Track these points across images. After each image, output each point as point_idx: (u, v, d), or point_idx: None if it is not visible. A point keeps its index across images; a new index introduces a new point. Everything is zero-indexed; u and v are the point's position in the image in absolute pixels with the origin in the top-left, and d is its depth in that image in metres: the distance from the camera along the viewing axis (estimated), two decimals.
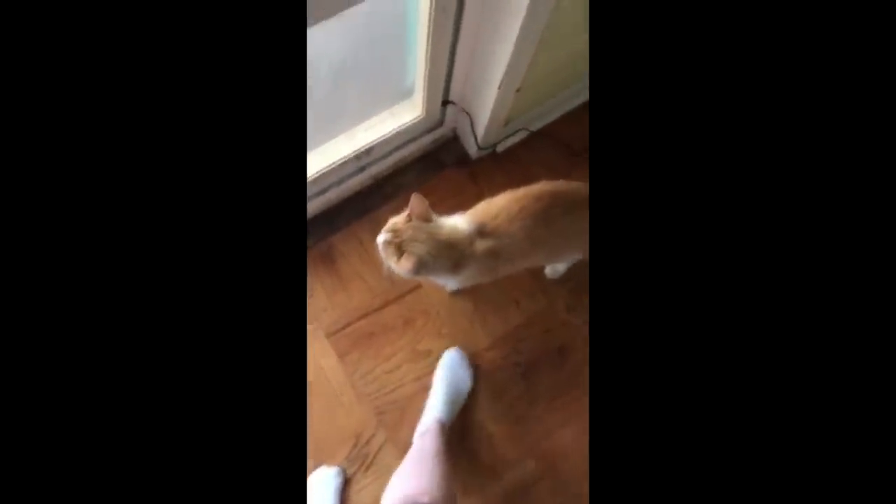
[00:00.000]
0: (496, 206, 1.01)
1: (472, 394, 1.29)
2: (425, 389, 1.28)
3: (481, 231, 0.98)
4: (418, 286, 1.35)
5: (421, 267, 0.90)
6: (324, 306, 1.34)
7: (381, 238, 0.94)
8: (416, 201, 0.93)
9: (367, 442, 1.26)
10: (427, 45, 1.00)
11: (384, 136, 1.27)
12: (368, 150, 1.29)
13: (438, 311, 1.35)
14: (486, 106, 1.17)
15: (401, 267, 0.90)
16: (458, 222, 0.98)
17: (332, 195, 1.36)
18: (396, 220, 0.95)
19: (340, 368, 1.30)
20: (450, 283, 1.10)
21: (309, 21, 0.75)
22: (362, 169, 1.34)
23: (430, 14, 0.91)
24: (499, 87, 1.06)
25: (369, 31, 0.97)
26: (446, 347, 1.31)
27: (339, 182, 1.33)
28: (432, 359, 1.31)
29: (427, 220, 0.94)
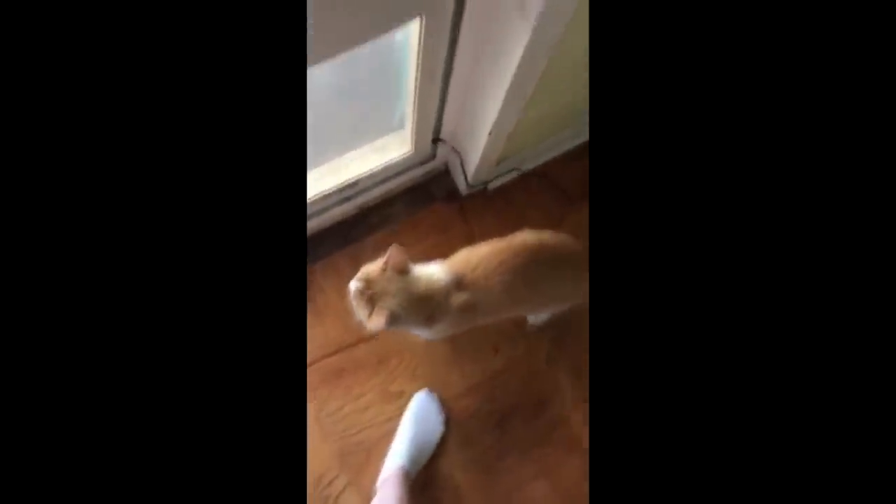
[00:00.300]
0: (476, 256, 0.97)
1: (441, 440, 1.24)
2: (394, 432, 1.24)
3: (459, 283, 0.95)
4: None
5: (392, 322, 0.87)
6: None
7: (353, 286, 0.91)
8: (395, 252, 0.89)
9: (330, 483, 1.22)
10: (414, 100, 0.97)
11: (373, 168, 1.23)
12: (355, 182, 1.25)
13: (414, 352, 1.30)
14: (476, 148, 1.14)
15: (372, 323, 0.86)
16: (435, 272, 0.94)
17: (315, 223, 1.32)
18: (370, 270, 0.91)
19: (307, 404, 1.26)
20: (424, 334, 1.06)
21: (309, 60, 0.72)
22: (348, 199, 1.31)
23: (416, 76, 0.88)
24: (489, 134, 1.03)
25: (360, 69, 0.94)
26: (420, 389, 1.27)
27: (323, 210, 1.29)
28: (404, 400, 1.27)
29: (403, 272, 0.90)
